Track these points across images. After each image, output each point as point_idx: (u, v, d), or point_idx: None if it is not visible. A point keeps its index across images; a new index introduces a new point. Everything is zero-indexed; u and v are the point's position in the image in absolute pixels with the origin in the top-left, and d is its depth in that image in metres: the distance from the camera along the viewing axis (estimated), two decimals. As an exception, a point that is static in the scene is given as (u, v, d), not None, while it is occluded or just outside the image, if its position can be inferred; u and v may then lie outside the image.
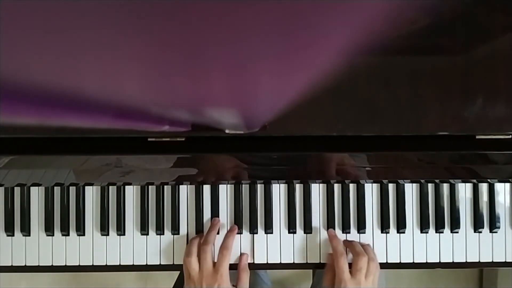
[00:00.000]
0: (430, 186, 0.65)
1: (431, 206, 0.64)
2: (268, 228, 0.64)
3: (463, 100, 0.49)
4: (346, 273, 0.57)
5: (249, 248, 0.64)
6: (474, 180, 0.63)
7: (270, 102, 0.42)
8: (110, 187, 0.64)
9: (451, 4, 0.41)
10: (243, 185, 0.64)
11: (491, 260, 0.64)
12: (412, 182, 0.64)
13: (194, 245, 0.60)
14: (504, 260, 0.64)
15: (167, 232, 0.64)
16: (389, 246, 0.64)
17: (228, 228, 0.64)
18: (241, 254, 0.63)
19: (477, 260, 0.64)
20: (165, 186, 0.64)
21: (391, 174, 0.61)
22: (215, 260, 0.60)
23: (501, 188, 0.64)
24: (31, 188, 0.64)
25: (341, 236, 0.64)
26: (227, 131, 0.51)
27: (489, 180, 0.63)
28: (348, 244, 0.62)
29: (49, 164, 0.58)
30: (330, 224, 0.64)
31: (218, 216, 0.64)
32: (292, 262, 0.64)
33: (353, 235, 0.64)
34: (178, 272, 0.87)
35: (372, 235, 0.64)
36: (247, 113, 0.45)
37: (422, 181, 0.64)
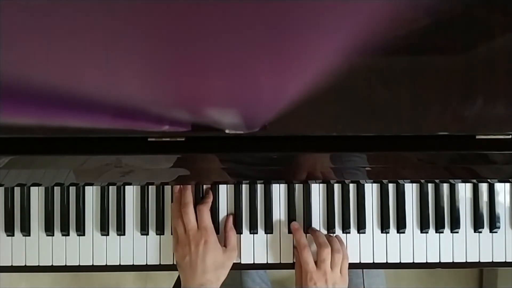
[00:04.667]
0: (430, 186, 0.65)
1: (431, 206, 0.64)
2: (268, 228, 0.64)
3: (463, 100, 0.49)
4: (311, 264, 0.58)
5: (249, 248, 0.64)
6: (474, 180, 0.63)
7: (270, 102, 0.42)
8: (110, 187, 0.64)
9: (451, 4, 0.41)
10: (243, 185, 0.64)
11: (491, 260, 0.64)
12: (412, 182, 0.64)
13: (176, 209, 0.61)
14: (504, 260, 0.64)
15: (167, 232, 0.64)
16: (389, 246, 0.64)
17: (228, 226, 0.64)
18: (227, 215, 0.63)
19: (477, 260, 0.64)
20: (165, 186, 0.64)
21: (391, 174, 0.61)
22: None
23: (501, 188, 0.64)
24: (31, 188, 0.64)
25: (341, 236, 0.64)
26: (227, 131, 0.51)
27: (489, 180, 0.62)
28: (313, 234, 0.62)
29: (49, 164, 0.57)
30: (330, 224, 0.64)
31: (218, 216, 0.64)
32: (292, 262, 0.64)
33: (353, 235, 0.64)
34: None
35: (372, 235, 0.64)
36: (247, 113, 0.45)
37: (422, 181, 0.64)
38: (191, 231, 0.59)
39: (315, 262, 0.59)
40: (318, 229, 0.64)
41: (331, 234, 0.64)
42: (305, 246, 0.59)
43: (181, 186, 0.62)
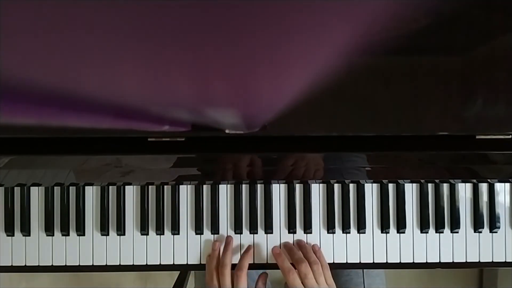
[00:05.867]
0: (430, 186, 0.65)
1: (431, 206, 0.64)
2: (268, 228, 0.64)
3: (463, 100, 0.49)
4: (299, 287, 0.57)
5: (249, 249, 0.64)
6: (474, 180, 0.63)
7: (270, 102, 0.42)
8: (110, 187, 0.64)
9: (451, 4, 0.41)
10: (243, 185, 0.64)
11: (491, 260, 0.64)
12: (412, 182, 0.64)
13: (212, 266, 0.61)
14: (504, 260, 0.64)
15: (167, 232, 0.64)
16: (389, 246, 0.64)
17: (229, 228, 0.64)
18: (260, 276, 0.64)
19: (477, 260, 0.64)
20: (165, 186, 0.64)
21: (391, 174, 0.61)
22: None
23: (501, 188, 0.64)
24: (31, 188, 0.64)
25: (341, 236, 0.64)
26: (227, 131, 0.51)
27: (489, 180, 0.62)
28: (288, 252, 0.62)
29: (49, 164, 0.57)
30: (330, 224, 0.64)
31: (218, 216, 0.64)
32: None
33: (353, 235, 0.64)
34: (178, 272, 0.87)
35: (372, 235, 0.64)
36: (247, 113, 0.45)
37: (422, 181, 0.64)
38: None
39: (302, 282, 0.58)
40: (318, 230, 0.64)
41: (307, 244, 0.63)
42: (290, 269, 0.58)
43: (222, 243, 0.63)
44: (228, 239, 0.63)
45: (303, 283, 0.57)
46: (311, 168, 0.59)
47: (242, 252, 0.64)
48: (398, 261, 0.64)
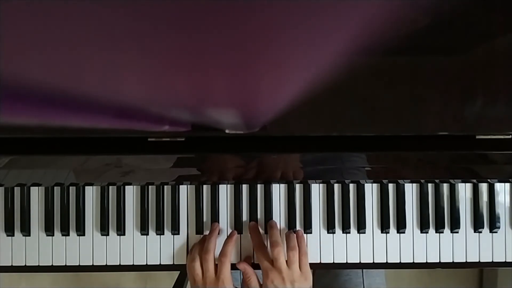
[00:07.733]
0: (430, 186, 0.65)
1: (431, 206, 0.64)
2: (268, 228, 0.64)
3: (463, 100, 0.49)
4: (265, 263, 0.59)
5: (249, 248, 0.64)
6: (474, 180, 0.63)
7: (270, 102, 0.42)
8: (110, 187, 0.64)
9: (451, 4, 0.41)
10: (243, 185, 0.64)
11: (491, 260, 0.64)
12: (412, 182, 0.64)
13: (196, 251, 0.61)
14: (504, 260, 0.64)
15: (167, 232, 0.64)
16: (389, 246, 0.64)
17: (228, 228, 0.64)
18: (244, 258, 0.63)
19: (477, 260, 0.64)
20: (165, 186, 0.64)
21: (391, 174, 0.61)
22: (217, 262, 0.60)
23: (501, 188, 0.64)
24: (31, 188, 0.64)
25: (341, 236, 0.64)
26: (227, 131, 0.51)
27: (489, 180, 0.63)
28: (269, 232, 0.62)
29: (49, 164, 0.57)
30: (330, 224, 0.64)
31: (218, 216, 0.64)
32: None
33: (353, 235, 0.64)
34: (178, 272, 0.87)
35: (372, 235, 0.64)
36: (247, 113, 0.45)
37: (422, 181, 0.64)
38: (208, 278, 0.59)
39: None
40: (318, 230, 0.64)
41: (293, 231, 0.63)
42: (260, 247, 0.60)
43: (211, 229, 0.63)
44: (214, 226, 0.63)
45: (273, 264, 0.58)
46: (289, 170, 0.59)
47: (241, 253, 0.64)
48: (398, 261, 0.64)
